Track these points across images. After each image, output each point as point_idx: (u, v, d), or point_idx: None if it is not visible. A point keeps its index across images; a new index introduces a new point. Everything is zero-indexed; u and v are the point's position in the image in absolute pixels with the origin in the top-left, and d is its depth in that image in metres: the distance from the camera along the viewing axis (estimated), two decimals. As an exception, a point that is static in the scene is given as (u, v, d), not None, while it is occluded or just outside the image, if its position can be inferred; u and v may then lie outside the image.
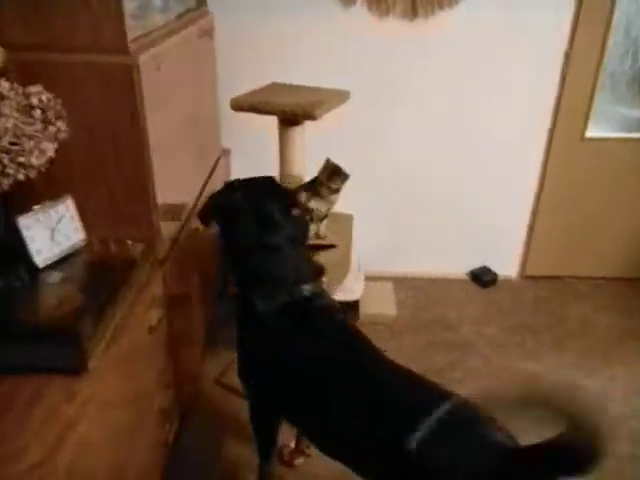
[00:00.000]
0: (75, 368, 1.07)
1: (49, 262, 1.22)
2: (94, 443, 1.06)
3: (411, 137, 2.33)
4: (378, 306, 2.33)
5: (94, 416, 1.06)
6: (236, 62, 2.15)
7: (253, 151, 2.32)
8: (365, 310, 2.31)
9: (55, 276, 1.19)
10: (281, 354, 1.21)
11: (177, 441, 1.70)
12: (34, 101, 1.15)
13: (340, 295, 2.24)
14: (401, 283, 2.54)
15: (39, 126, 1.14)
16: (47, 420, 0.98)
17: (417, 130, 2.31)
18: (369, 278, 2.51)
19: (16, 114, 1.11)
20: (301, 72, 2.15)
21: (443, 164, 2.37)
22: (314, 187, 1.64)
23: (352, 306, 2.29)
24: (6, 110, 1.10)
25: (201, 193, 1.82)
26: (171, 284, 1.53)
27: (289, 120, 1.55)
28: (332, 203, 1.68)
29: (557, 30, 2.13)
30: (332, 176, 1.68)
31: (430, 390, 1.10)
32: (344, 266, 1.82)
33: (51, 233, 1.23)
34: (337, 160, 2.30)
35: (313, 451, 1.61)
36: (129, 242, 1.38)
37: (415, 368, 1.95)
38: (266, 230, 1.28)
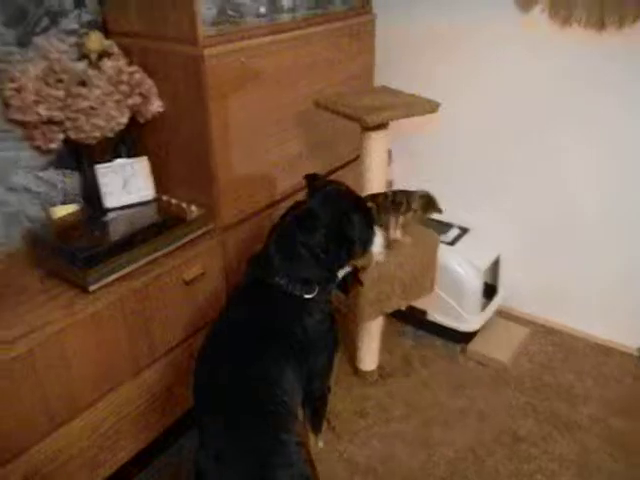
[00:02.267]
0: (80, 285, 1.37)
1: (116, 205, 1.55)
2: (77, 348, 1.34)
3: (586, 169, 1.96)
4: (493, 347, 2.08)
5: (85, 326, 1.34)
6: (396, 62, 2.15)
7: (415, 154, 2.31)
8: (476, 346, 2.09)
9: (113, 216, 1.52)
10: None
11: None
12: (124, 78, 1.47)
13: (449, 322, 2.09)
14: (547, 334, 2.18)
15: (117, 97, 1.45)
16: (41, 313, 1.31)
17: (593, 162, 1.94)
18: (509, 317, 2.25)
19: (104, 86, 1.44)
20: (459, 78, 2.05)
21: (624, 201, 1.93)
22: (401, 211, 1.60)
23: (464, 337, 2.10)
24: (99, 82, 1.44)
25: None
26: (233, 254, 1.72)
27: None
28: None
29: None
30: (428, 209, 1.62)
31: None
32: (414, 286, 1.71)
33: (124, 183, 1.55)
34: (493, 189, 2.14)
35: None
36: (192, 206, 1.62)
37: (488, 425, 1.75)
38: (298, 229, 1.33)
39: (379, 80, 2.14)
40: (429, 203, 1.61)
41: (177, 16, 1.45)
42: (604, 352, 2.08)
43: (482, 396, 1.91)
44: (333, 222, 1.32)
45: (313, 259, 1.33)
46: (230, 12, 1.54)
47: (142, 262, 1.47)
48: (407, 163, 2.35)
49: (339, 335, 1.48)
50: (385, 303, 1.66)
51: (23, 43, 1.46)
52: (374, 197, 1.61)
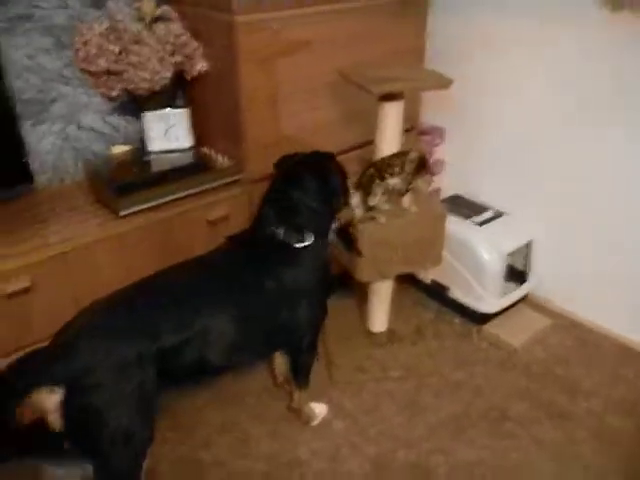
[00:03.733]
0: (114, 210, 1.64)
1: (158, 149, 1.80)
2: (105, 261, 1.61)
3: (634, 167, 1.89)
4: (509, 332, 2.09)
5: (112, 244, 1.61)
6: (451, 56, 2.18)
7: (466, 138, 2.34)
8: (492, 328, 2.12)
9: (153, 157, 1.78)
10: None
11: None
12: (170, 39, 1.70)
13: (468, 300, 2.13)
14: (570, 328, 2.14)
15: (161, 55, 1.69)
16: (80, 227, 1.60)
17: None
18: (536, 306, 2.23)
19: (154, 44, 1.68)
20: (512, 67, 2.05)
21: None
22: (395, 173, 1.69)
23: (482, 318, 2.14)
24: (150, 41, 1.69)
25: (341, 152, 2.05)
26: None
27: (382, 96, 1.63)
28: (410, 183, 1.69)
29: None
30: (419, 170, 1.69)
31: None
32: (417, 254, 1.79)
33: (165, 130, 1.80)
34: (535, 178, 2.12)
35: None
36: (225, 157, 1.83)
37: (480, 400, 1.86)
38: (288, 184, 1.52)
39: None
40: (420, 165, 1.65)
41: (219, -13, 1.65)
42: (626, 353, 2.01)
43: (484, 374, 1.95)
44: (318, 177, 1.48)
45: (309, 210, 1.48)
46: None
47: (170, 198, 1.70)
48: (459, 145, 2.38)
49: (330, 287, 1.62)
50: (384, 266, 1.77)
51: (98, 5, 1.75)
52: (374, 164, 1.71)
